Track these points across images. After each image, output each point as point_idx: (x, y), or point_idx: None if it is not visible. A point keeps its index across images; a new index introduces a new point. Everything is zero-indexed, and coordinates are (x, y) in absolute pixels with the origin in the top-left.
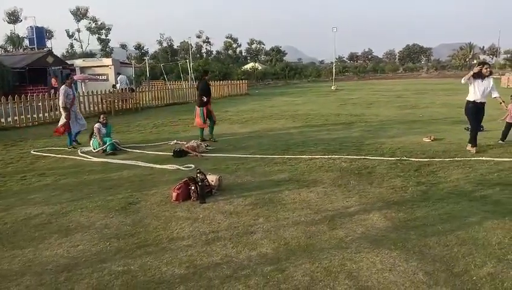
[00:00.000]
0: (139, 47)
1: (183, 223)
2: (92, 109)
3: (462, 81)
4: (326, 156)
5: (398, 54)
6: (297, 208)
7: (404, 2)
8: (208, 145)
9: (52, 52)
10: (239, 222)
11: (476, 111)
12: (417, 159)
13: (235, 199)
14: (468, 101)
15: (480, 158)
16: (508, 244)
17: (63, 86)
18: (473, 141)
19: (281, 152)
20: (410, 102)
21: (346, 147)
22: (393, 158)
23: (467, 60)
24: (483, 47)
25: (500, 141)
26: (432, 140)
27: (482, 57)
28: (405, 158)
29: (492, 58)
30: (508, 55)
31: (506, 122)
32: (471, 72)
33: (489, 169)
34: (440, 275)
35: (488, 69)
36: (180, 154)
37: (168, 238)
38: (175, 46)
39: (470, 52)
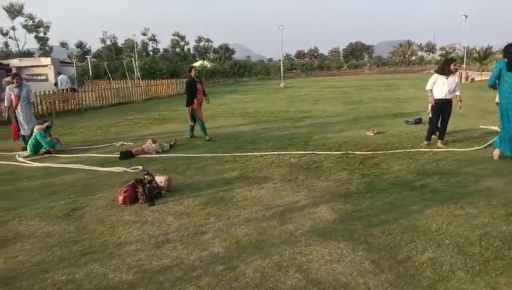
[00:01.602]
0: (80, 45)
1: (130, 227)
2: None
3: (428, 87)
4: (276, 153)
5: (342, 52)
6: (248, 205)
7: (346, 1)
8: (175, 143)
9: None
10: (190, 223)
11: (441, 108)
12: (361, 153)
13: (185, 199)
14: (435, 99)
15: (420, 149)
16: (446, 230)
17: (8, 86)
18: (428, 136)
19: (232, 150)
20: (355, 98)
21: (295, 142)
22: (339, 152)
23: (406, 56)
24: (421, 44)
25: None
26: (375, 134)
27: (419, 53)
28: (350, 152)
29: (429, 55)
30: (443, 51)
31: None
32: (434, 75)
33: (428, 159)
34: (385, 263)
35: (455, 66)
36: (127, 155)
37: (115, 244)
38: (119, 44)
39: (409, 49)
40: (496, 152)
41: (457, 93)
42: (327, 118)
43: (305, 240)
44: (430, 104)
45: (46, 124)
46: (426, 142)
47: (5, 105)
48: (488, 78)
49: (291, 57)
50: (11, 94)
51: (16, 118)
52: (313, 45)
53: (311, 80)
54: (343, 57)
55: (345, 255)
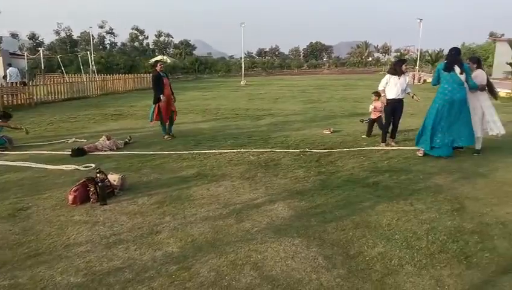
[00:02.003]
0: (33, 37)
1: (80, 227)
2: None
3: (381, 87)
4: (235, 150)
5: (302, 51)
6: (205, 204)
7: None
8: (130, 139)
9: None
10: (143, 222)
11: (394, 108)
12: (318, 151)
13: (140, 198)
14: (387, 99)
15: (373, 148)
16: (396, 225)
17: None
18: (383, 137)
19: (190, 147)
20: (313, 97)
21: (254, 140)
22: (297, 150)
23: (363, 57)
24: (377, 45)
25: (364, 136)
26: (331, 132)
27: (376, 54)
28: (308, 150)
29: (385, 56)
30: (398, 53)
31: (371, 119)
32: (387, 75)
33: (380, 157)
34: (338, 258)
35: (406, 67)
36: (79, 153)
37: (64, 245)
38: (75, 37)
39: (366, 50)
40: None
41: (409, 90)
42: (286, 116)
43: (261, 238)
44: (383, 105)
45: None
46: (383, 144)
47: None
48: None
49: (253, 55)
50: None
51: None
52: (274, 43)
53: (272, 78)
54: (303, 56)
55: (300, 252)
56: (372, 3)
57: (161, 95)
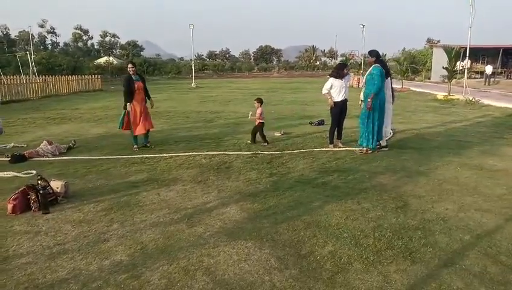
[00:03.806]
0: None
1: (21, 238)
2: None
3: (324, 91)
4: (187, 154)
5: (252, 54)
6: (155, 209)
7: (256, 4)
8: (74, 144)
9: None
10: (90, 231)
11: (340, 110)
12: (269, 153)
13: (86, 205)
14: (335, 102)
15: (322, 149)
16: (344, 224)
17: None
18: (331, 139)
19: (139, 151)
20: (264, 99)
21: (206, 143)
22: (249, 152)
23: (311, 61)
24: (324, 50)
25: (249, 141)
26: (282, 134)
27: (323, 59)
28: (259, 152)
29: (331, 60)
30: (343, 58)
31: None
32: (330, 79)
33: (328, 158)
34: (290, 258)
35: (347, 70)
36: (19, 159)
37: (2, 258)
38: (12, 36)
39: (314, 54)
40: (362, 150)
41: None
42: (238, 119)
43: (213, 242)
44: (330, 107)
45: None
46: (331, 145)
47: None
48: None
49: (203, 57)
50: None
51: None
52: (224, 46)
53: (223, 80)
54: (253, 59)
55: (252, 254)
56: (318, 8)
57: (128, 104)
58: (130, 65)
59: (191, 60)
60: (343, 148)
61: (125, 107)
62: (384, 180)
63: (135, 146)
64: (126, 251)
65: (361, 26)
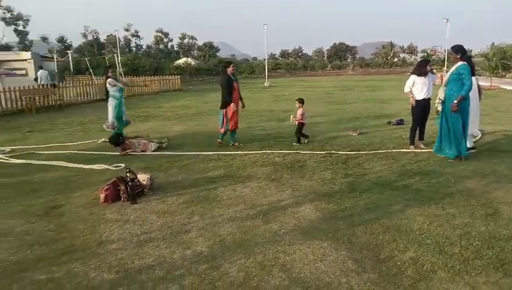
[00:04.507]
0: (61, 40)
1: (112, 225)
2: (9, 106)
3: (407, 89)
4: (261, 152)
5: (326, 52)
6: (232, 204)
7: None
8: (165, 142)
9: None
10: (173, 221)
11: (424, 109)
12: (345, 153)
13: (169, 197)
14: (417, 100)
15: (401, 150)
16: (427, 230)
17: None
18: (412, 139)
19: (216, 148)
20: (338, 98)
21: (279, 142)
22: (323, 152)
23: (389, 58)
24: (403, 46)
25: (295, 143)
26: (358, 134)
27: (402, 55)
28: (334, 152)
29: (411, 57)
30: (424, 54)
31: (298, 123)
32: (412, 76)
33: (409, 160)
34: (367, 262)
35: (430, 66)
36: (117, 140)
37: (97, 242)
38: (101, 40)
39: (391, 50)
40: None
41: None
42: (311, 118)
43: (289, 239)
44: (411, 106)
45: None
46: (412, 146)
47: None
48: None
49: (276, 56)
50: None
51: None
52: (297, 44)
53: (295, 79)
54: (327, 57)
55: (328, 255)
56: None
57: (232, 104)
58: (232, 65)
59: (264, 59)
60: (425, 150)
61: (222, 107)
62: (472, 185)
63: (219, 140)
64: (206, 242)
65: (445, 20)
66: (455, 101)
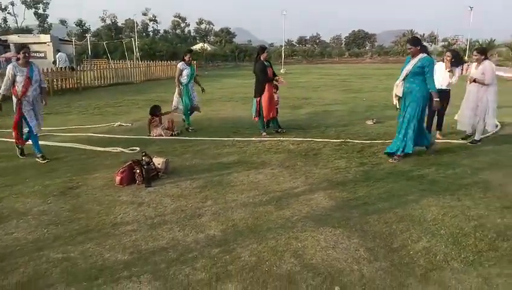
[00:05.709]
0: (80, 24)
1: (127, 207)
2: None
3: (455, 81)
4: (275, 139)
5: (344, 39)
6: (245, 190)
7: None
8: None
9: None
10: (186, 205)
11: (442, 99)
12: (360, 141)
13: (183, 182)
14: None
15: None
16: (441, 220)
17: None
18: (429, 129)
19: (230, 134)
20: (355, 86)
21: (293, 129)
22: (338, 140)
23: None
24: (424, 34)
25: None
26: (374, 123)
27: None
28: (349, 140)
29: (431, 45)
30: (445, 42)
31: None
32: (452, 68)
33: (425, 150)
34: (380, 250)
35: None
36: (155, 109)
37: (111, 224)
38: (119, 24)
39: None
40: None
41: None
42: (327, 106)
43: (301, 226)
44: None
45: None
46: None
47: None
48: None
49: (293, 42)
50: (16, 74)
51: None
52: (315, 31)
53: (312, 66)
54: (345, 44)
55: (340, 242)
56: None
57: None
58: (266, 51)
59: (281, 46)
60: (443, 140)
61: (257, 96)
62: (489, 177)
63: (264, 133)
64: (219, 226)
65: (469, 8)
66: (436, 100)
